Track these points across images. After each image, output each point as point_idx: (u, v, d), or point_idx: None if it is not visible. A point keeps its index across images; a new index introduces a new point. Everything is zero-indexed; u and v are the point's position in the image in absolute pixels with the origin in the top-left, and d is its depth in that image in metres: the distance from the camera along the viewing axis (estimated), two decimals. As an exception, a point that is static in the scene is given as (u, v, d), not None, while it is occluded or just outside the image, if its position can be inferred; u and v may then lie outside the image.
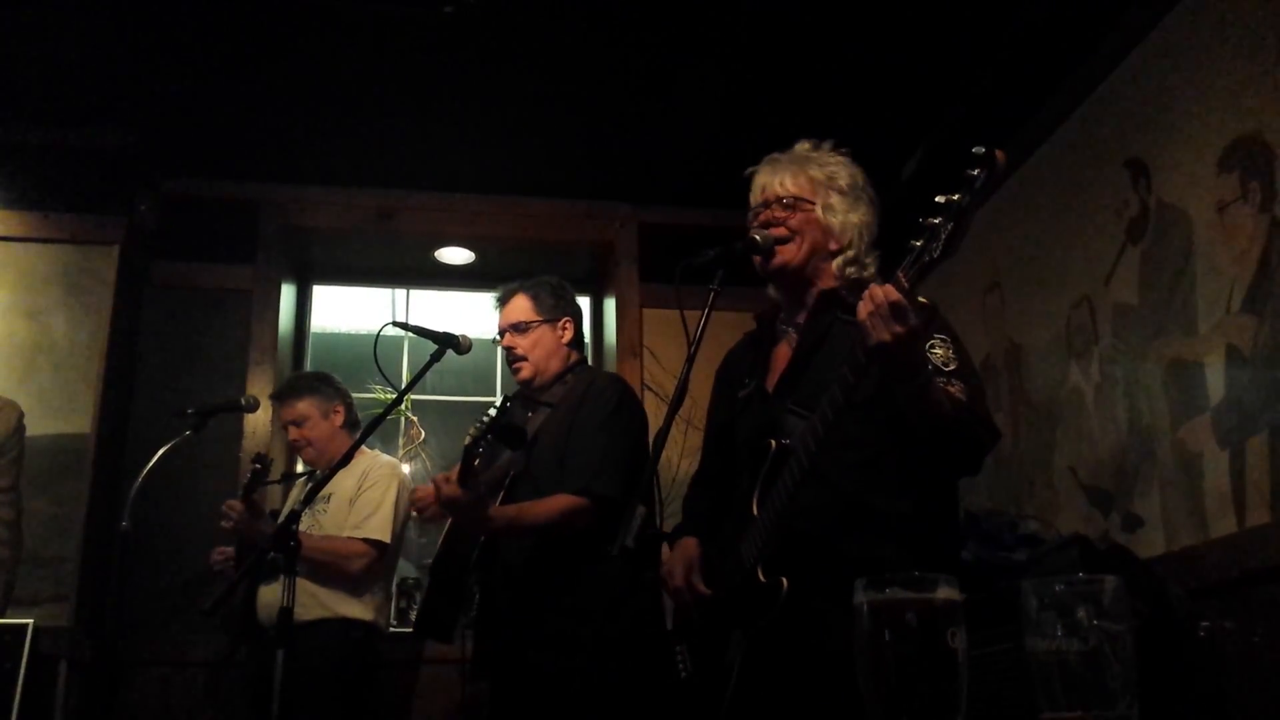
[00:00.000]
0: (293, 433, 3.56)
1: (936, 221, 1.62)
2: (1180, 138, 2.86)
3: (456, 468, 2.65)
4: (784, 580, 1.91)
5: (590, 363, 4.84)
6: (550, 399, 3.00)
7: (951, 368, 2.00)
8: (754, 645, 1.96)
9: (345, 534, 3.36)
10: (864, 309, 1.74)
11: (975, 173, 1.58)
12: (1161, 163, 2.94)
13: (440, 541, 3.04)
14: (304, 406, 3.55)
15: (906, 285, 1.68)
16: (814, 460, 1.88)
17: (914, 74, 3.62)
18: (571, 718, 2.67)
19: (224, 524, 3.24)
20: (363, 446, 3.68)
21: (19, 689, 3.34)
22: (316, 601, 3.27)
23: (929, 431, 1.90)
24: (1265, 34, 2.56)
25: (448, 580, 3.01)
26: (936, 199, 1.61)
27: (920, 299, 2.07)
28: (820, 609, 1.87)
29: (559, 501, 2.74)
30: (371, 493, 3.43)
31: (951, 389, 1.95)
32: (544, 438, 2.92)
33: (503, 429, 2.69)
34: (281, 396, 3.63)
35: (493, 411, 2.69)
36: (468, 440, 2.66)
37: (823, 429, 1.86)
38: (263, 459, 3.38)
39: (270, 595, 3.24)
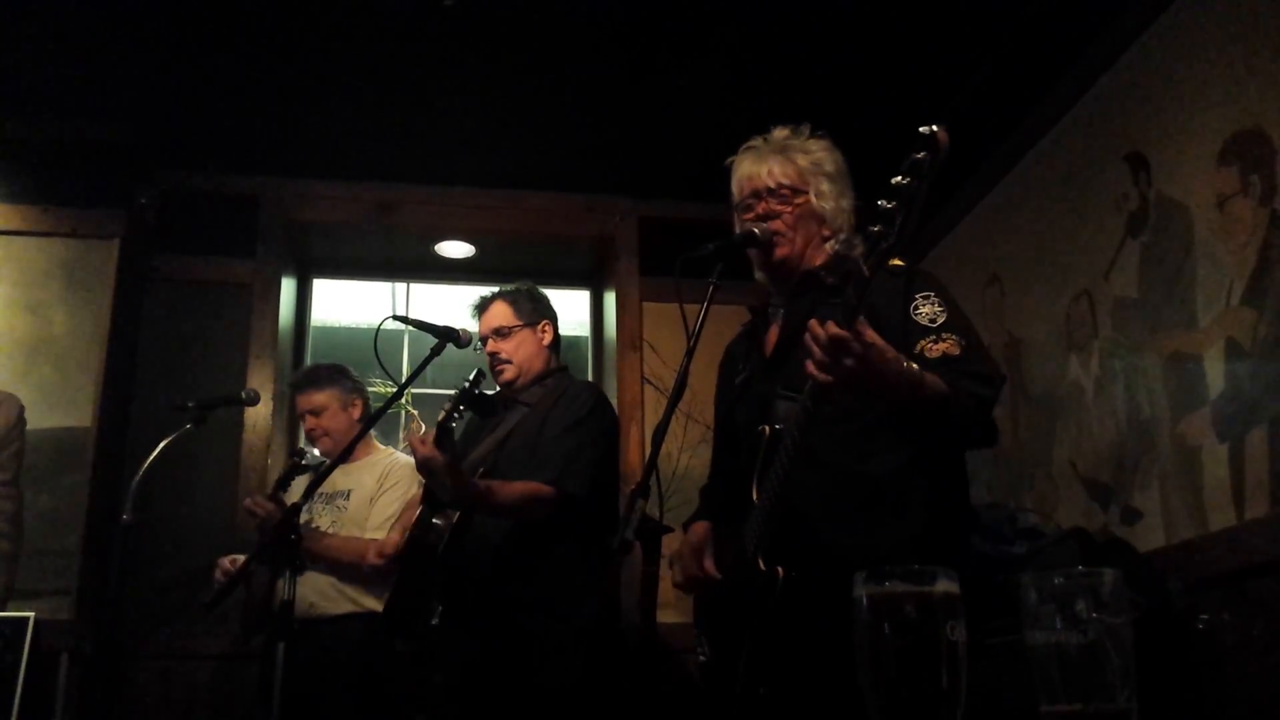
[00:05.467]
0: (310, 422, 3.58)
1: (890, 206, 1.60)
2: (1180, 132, 2.86)
3: (432, 431, 2.69)
4: (780, 570, 1.92)
5: (591, 356, 4.90)
6: (527, 399, 3.08)
7: (940, 322, 1.98)
8: (758, 634, 1.97)
9: (367, 534, 3.39)
10: (807, 342, 1.73)
11: (920, 155, 1.56)
12: (1162, 156, 2.94)
13: (406, 536, 3.04)
14: (323, 398, 3.57)
15: (868, 274, 1.67)
16: (804, 441, 1.88)
17: (913, 67, 3.61)
18: (532, 711, 2.72)
19: (251, 520, 3.18)
20: (378, 444, 3.74)
21: (20, 682, 3.34)
22: (343, 596, 3.31)
23: (930, 427, 1.90)
24: (1266, 28, 2.56)
25: (415, 575, 3.03)
26: (891, 180, 1.60)
27: (893, 261, 2.06)
28: (817, 598, 1.88)
29: (529, 486, 2.81)
30: (392, 493, 3.46)
31: (943, 344, 1.94)
32: (517, 435, 3.00)
33: (473, 398, 2.81)
34: (300, 386, 3.64)
35: (463, 384, 2.81)
36: (441, 415, 2.73)
37: (806, 419, 1.87)
38: (301, 453, 3.39)
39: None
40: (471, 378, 2.85)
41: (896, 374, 1.76)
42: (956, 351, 1.94)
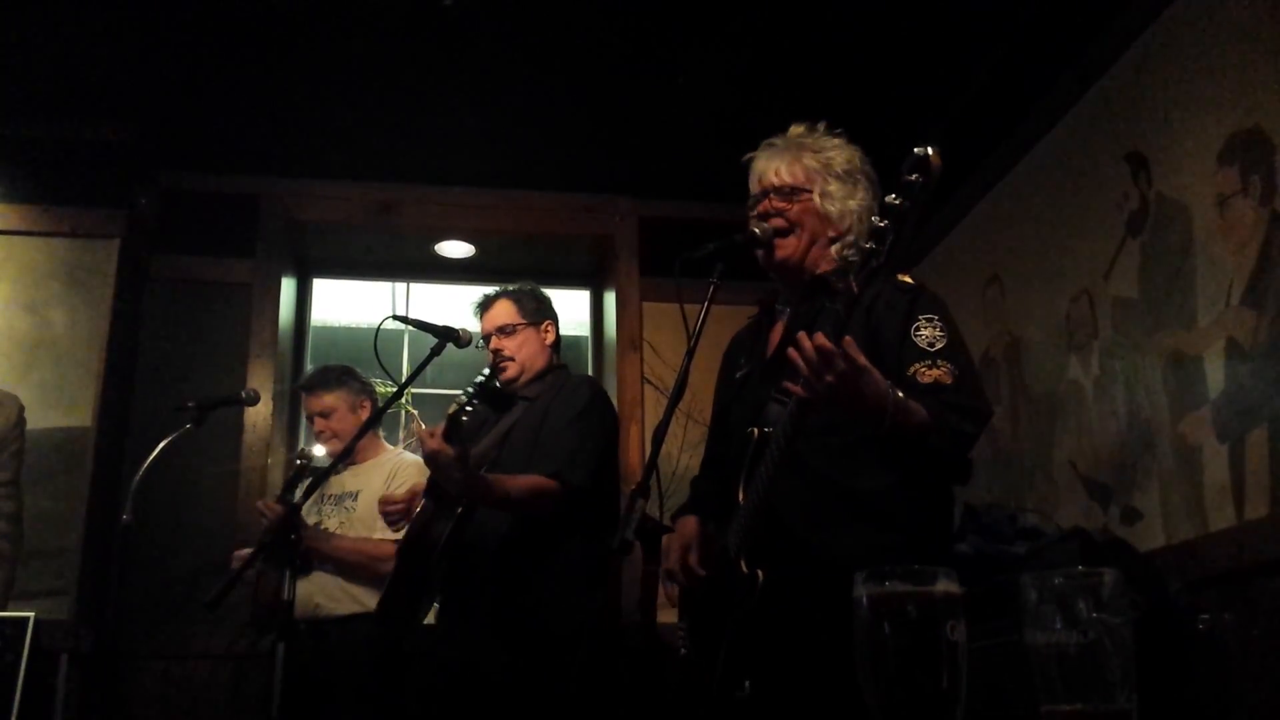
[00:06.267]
0: (319, 424, 3.60)
1: (883, 225, 1.61)
2: (1181, 131, 2.86)
3: (441, 425, 2.69)
4: (760, 573, 1.92)
5: (591, 356, 4.90)
6: (528, 394, 3.09)
7: (938, 347, 1.98)
8: (738, 633, 1.97)
9: (376, 535, 3.39)
10: (792, 355, 1.73)
11: (913, 178, 1.57)
12: (1162, 156, 2.94)
13: (407, 529, 3.04)
14: (331, 399, 3.58)
15: (856, 290, 1.67)
16: (789, 448, 1.89)
17: (915, 67, 3.61)
18: (532, 710, 2.72)
19: (261, 522, 3.19)
20: (386, 443, 3.75)
21: (20, 682, 3.35)
22: (350, 596, 3.32)
23: (909, 456, 1.91)
24: (1266, 28, 2.56)
25: (412, 569, 3.02)
26: (886, 199, 1.60)
27: (903, 277, 2.07)
28: (798, 601, 1.89)
29: (532, 479, 2.83)
30: (399, 494, 3.45)
31: (937, 371, 1.94)
32: (519, 431, 3.01)
33: (489, 392, 2.84)
34: (309, 388, 3.65)
35: (480, 378, 2.82)
36: (453, 408, 2.74)
37: (792, 427, 1.87)
38: (306, 455, 3.39)
39: (301, 591, 3.25)
40: (488, 372, 2.87)
41: (880, 396, 1.77)
42: (949, 380, 1.94)
